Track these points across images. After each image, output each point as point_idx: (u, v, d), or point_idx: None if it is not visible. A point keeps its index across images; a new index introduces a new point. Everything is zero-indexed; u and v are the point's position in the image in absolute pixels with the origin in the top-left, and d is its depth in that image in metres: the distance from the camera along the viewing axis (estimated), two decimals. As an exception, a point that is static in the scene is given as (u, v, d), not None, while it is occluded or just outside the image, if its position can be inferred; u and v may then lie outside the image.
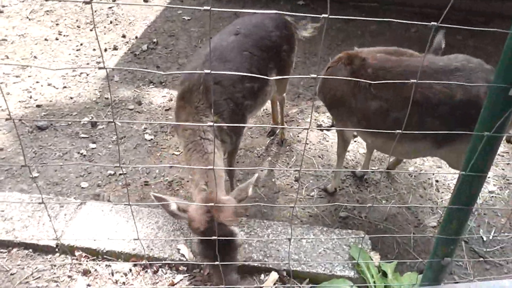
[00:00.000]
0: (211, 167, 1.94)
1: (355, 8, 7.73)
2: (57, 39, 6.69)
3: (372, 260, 3.11)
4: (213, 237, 2.31)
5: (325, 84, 3.70)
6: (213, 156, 3.02)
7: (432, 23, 1.37)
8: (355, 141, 4.93)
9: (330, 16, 1.31)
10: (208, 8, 1.29)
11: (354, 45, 4.10)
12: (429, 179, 4.50)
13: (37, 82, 5.66)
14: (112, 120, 1.38)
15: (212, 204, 2.48)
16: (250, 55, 3.46)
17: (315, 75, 1.42)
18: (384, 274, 3.05)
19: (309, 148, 4.86)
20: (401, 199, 4.30)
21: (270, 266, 3.07)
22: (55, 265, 3.09)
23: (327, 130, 5.09)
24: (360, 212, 4.11)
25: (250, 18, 3.86)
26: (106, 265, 3.07)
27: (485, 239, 3.84)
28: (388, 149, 3.64)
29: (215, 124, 1.94)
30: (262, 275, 3.07)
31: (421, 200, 4.27)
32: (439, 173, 4.52)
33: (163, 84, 5.77)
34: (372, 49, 3.58)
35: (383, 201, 4.26)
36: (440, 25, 1.35)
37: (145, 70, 1.37)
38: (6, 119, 1.47)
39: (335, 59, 3.63)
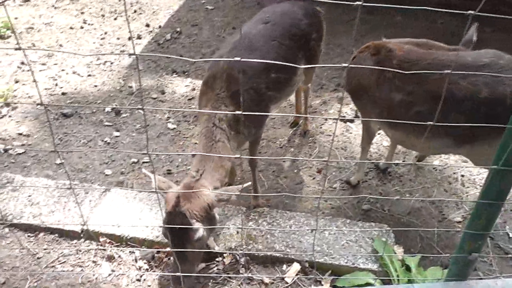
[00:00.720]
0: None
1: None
2: (82, 27, 6.76)
3: (395, 253, 3.08)
4: (169, 225, 2.52)
5: (350, 73, 3.66)
6: (221, 145, 3.08)
7: (470, 12, 1.33)
8: (378, 134, 4.87)
9: (364, 4, 1.28)
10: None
11: (379, 36, 4.03)
12: (454, 173, 4.42)
13: (62, 70, 5.73)
14: (141, 107, 1.38)
15: (185, 191, 2.61)
16: (278, 44, 3.43)
17: (347, 64, 1.40)
18: (408, 268, 3.02)
19: (332, 139, 4.83)
20: (425, 193, 4.24)
21: (292, 257, 3.07)
22: (80, 250, 3.14)
23: (350, 121, 5.04)
24: (383, 205, 4.07)
25: (280, 6, 3.81)
26: (130, 252, 3.11)
27: (511, 235, 3.77)
28: (408, 143, 3.59)
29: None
30: (284, 266, 3.07)
31: (445, 195, 4.21)
32: (465, 168, 4.45)
33: (186, 73, 5.78)
34: (401, 40, 3.52)
35: (407, 195, 4.21)
36: (479, 14, 1.31)
37: (175, 57, 1.37)
38: (38, 104, 1.49)
39: (361, 48, 3.58)
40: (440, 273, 2.93)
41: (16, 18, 6.54)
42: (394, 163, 4.45)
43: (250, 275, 2.98)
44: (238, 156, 1.92)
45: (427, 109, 3.14)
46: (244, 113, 1.57)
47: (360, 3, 1.26)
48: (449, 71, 1.45)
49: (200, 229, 2.70)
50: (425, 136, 3.10)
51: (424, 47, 3.34)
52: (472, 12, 1.33)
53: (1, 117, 4.88)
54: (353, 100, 3.86)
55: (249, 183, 2.99)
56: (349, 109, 5.19)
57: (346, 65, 1.36)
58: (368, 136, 3.97)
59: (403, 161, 4.57)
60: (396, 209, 4.05)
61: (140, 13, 7.19)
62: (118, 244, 3.19)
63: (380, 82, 3.37)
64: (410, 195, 4.21)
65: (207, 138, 3.09)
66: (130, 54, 1.40)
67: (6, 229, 3.23)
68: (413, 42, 3.45)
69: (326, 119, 5.11)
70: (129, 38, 6.50)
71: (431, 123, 1.63)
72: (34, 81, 1.38)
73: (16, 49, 1.34)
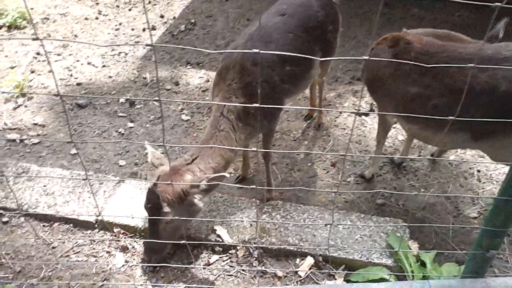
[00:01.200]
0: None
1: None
2: (97, 18, 6.77)
3: (410, 249, 3.05)
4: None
5: (368, 65, 3.61)
6: (224, 134, 3.09)
7: (496, 4, 1.29)
8: (394, 127, 4.82)
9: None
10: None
11: (394, 29, 3.97)
12: (470, 168, 4.36)
13: (77, 60, 5.75)
14: (158, 98, 1.36)
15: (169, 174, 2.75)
16: (294, 36, 3.39)
17: (366, 57, 1.37)
18: (423, 264, 2.99)
19: (346, 133, 4.79)
20: (440, 188, 4.19)
21: (306, 250, 3.05)
22: (94, 241, 3.15)
23: (366, 115, 4.99)
24: (397, 199, 4.03)
25: None
26: (143, 243, 3.11)
27: (528, 232, 3.72)
28: (424, 137, 3.54)
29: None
30: (298, 259, 3.05)
31: (461, 190, 4.15)
32: (481, 163, 4.38)
33: (200, 65, 5.76)
34: (421, 31, 3.45)
35: (422, 190, 4.16)
36: (506, 5, 1.26)
37: (191, 48, 1.35)
38: (55, 95, 1.48)
39: (379, 39, 3.53)
40: (456, 270, 2.89)
41: (32, 9, 6.57)
42: (409, 158, 4.40)
43: (263, 268, 2.98)
44: (254, 149, 1.90)
45: (444, 103, 3.09)
46: (254, 105, 1.54)
47: (383, -6, 1.23)
48: (472, 65, 1.41)
49: (169, 213, 2.76)
50: (445, 131, 3.05)
51: (445, 38, 3.28)
52: (499, 4, 1.29)
53: (17, 107, 4.91)
54: (369, 92, 3.82)
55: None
56: (364, 103, 5.14)
57: (366, 58, 1.33)
58: (384, 129, 3.93)
59: (419, 156, 4.52)
60: (411, 204, 4.00)
61: (155, 4, 7.18)
62: (132, 235, 3.20)
63: (397, 74, 3.32)
64: (425, 190, 4.16)
65: (212, 127, 3.14)
66: (147, 45, 1.38)
67: (22, 219, 3.26)
68: (434, 33, 3.38)
69: (340, 112, 5.07)
70: (144, 29, 6.50)
71: (452, 117, 1.58)
72: (51, 71, 1.37)
73: (33, 39, 1.33)
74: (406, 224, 3.32)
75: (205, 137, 3.14)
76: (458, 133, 3.14)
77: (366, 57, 1.34)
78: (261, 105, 1.49)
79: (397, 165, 4.37)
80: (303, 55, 3.26)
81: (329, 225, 3.17)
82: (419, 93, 3.18)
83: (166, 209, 2.74)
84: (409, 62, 2.89)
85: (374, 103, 4.88)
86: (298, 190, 4.07)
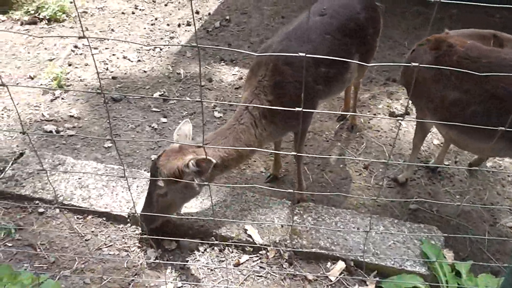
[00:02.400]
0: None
1: (435, -9, 7.30)
2: (133, 13, 6.84)
3: (445, 257, 2.97)
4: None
5: (407, 67, 3.53)
6: (243, 128, 3.12)
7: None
8: (429, 131, 4.71)
9: (441, 0, 1.20)
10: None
11: (433, 29, 3.86)
12: (508, 176, 4.24)
13: (113, 54, 5.82)
14: (200, 99, 1.35)
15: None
16: (332, 38, 3.33)
17: (417, 64, 1.32)
18: (457, 274, 2.91)
19: (380, 135, 4.71)
20: (477, 195, 4.08)
21: (337, 254, 3.01)
22: (126, 235, 3.18)
23: (401, 117, 4.89)
24: (431, 205, 3.94)
25: None
26: (174, 239, 3.13)
27: None
28: (462, 143, 3.45)
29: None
30: (329, 263, 3.01)
31: (498, 198, 4.04)
32: (521, 171, 4.25)
33: (234, 62, 5.76)
34: (465, 32, 3.35)
35: (457, 196, 4.06)
36: None
37: (242, 51, 1.33)
38: (97, 93, 1.49)
39: (422, 40, 3.44)
40: (494, 282, 2.80)
41: (71, 2, 6.68)
42: (446, 166, 4.29)
43: (293, 270, 2.95)
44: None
45: (484, 109, 3.00)
46: (296, 109, 1.51)
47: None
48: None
49: (163, 188, 2.85)
50: (494, 141, 2.96)
51: (490, 40, 3.18)
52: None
53: (54, 99, 5.01)
54: (408, 95, 3.74)
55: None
56: (399, 105, 5.04)
57: (416, 64, 1.29)
58: (421, 132, 3.84)
59: (455, 162, 4.41)
60: (445, 210, 3.91)
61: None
62: (164, 230, 3.21)
63: (436, 78, 3.24)
64: (460, 197, 4.06)
65: (234, 118, 3.18)
66: (192, 46, 1.37)
67: (57, 210, 3.31)
68: (479, 34, 3.28)
69: (374, 114, 4.99)
70: (179, 25, 6.54)
71: (502, 128, 1.52)
72: (96, 69, 1.37)
73: (79, 37, 1.34)
74: (441, 234, 3.22)
75: (224, 127, 3.19)
76: (498, 141, 3.04)
77: (416, 64, 1.29)
78: (303, 109, 1.44)
79: (432, 169, 4.27)
80: (343, 59, 3.28)
81: (363, 230, 3.12)
82: (458, 98, 3.09)
83: (160, 183, 2.83)
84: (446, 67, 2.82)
85: (410, 105, 4.79)
86: (329, 191, 4.03)
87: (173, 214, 3.11)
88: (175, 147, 2.94)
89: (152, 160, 2.96)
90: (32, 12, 6.40)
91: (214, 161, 2.77)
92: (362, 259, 2.93)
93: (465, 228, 3.76)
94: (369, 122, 4.86)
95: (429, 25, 6.57)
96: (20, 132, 1.53)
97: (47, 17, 6.36)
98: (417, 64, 1.28)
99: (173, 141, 3.01)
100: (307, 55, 1.30)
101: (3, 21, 6.34)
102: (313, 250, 3.03)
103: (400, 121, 4.84)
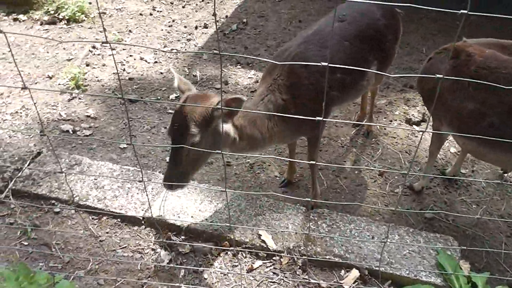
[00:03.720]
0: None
1: (455, -3, 7.22)
2: (151, 14, 6.88)
3: (461, 269, 2.93)
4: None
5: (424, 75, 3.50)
6: (258, 115, 3.03)
7: None
8: (446, 139, 4.66)
9: (469, 12, 1.18)
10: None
11: (451, 36, 3.81)
12: (527, 187, 4.17)
13: (130, 55, 5.86)
14: (220, 107, 1.34)
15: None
16: (350, 45, 3.31)
17: (441, 75, 1.30)
18: (473, 285, 2.87)
19: (396, 142, 4.67)
20: (494, 205, 4.02)
21: (352, 262, 2.98)
22: (140, 237, 3.20)
23: (417, 125, 4.84)
24: (447, 214, 3.89)
25: (358, 4, 3.67)
26: (188, 243, 3.13)
27: None
28: (479, 155, 3.40)
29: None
30: (343, 271, 2.99)
31: (516, 209, 3.97)
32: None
33: (250, 65, 5.76)
34: (484, 42, 3.30)
35: (473, 206, 4.01)
36: None
37: (259, 58, 1.30)
38: (117, 97, 1.49)
39: (440, 49, 3.40)
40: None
41: (90, 3, 6.74)
42: (464, 178, 4.24)
43: (307, 277, 2.93)
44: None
45: (502, 121, 2.95)
46: (317, 118, 1.49)
47: (465, 11, 1.16)
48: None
49: (195, 135, 2.62)
50: (497, 149, 2.91)
51: (509, 49, 3.13)
52: None
53: (72, 99, 5.05)
54: (424, 103, 3.70)
55: None
56: (416, 111, 4.99)
57: (440, 76, 1.27)
58: (438, 141, 3.80)
59: (472, 171, 4.35)
60: (461, 220, 3.86)
61: (208, 2, 7.23)
62: (177, 234, 3.22)
63: (454, 88, 3.19)
64: (477, 207, 4.00)
65: (252, 104, 3.11)
66: (214, 53, 1.36)
67: (73, 210, 3.34)
68: (498, 43, 3.23)
69: (390, 121, 4.95)
70: (196, 27, 6.56)
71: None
72: (116, 71, 1.37)
73: (102, 43, 1.34)
74: (458, 246, 3.18)
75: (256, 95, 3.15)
76: None
77: (440, 76, 1.27)
78: (323, 119, 1.43)
79: (448, 178, 4.22)
80: (362, 69, 3.24)
81: (378, 240, 3.09)
82: (476, 109, 3.05)
83: (193, 129, 2.61)
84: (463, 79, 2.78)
85: (427, 112, 4.74)
86: (344, 198, 4.00)
87: (200, 169, 2.94)
88: (195, 93, 2.81)
89: (175, 111, 2.70)
90: (52, 12, 6.47)
91: (244, 98, 2.62)
92: (378, 268, 2.90)
93: (481, 239, 3.71)
94: (385, 129, 4.82)
95: (446, 31, 6.50)
96: (39, 134, 1.53)
97: (67, 17, 6.42)
98: (441, 76, 1.26)
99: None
100: (328, 64, 1.29)
101: (23, 20, 6.41)
102: (327, 257, 3.01)
103: (415, 127, 4.81)
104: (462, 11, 1.17)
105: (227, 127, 2.80)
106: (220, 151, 2.01)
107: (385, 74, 1.86)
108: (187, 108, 2.64)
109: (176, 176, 2.69)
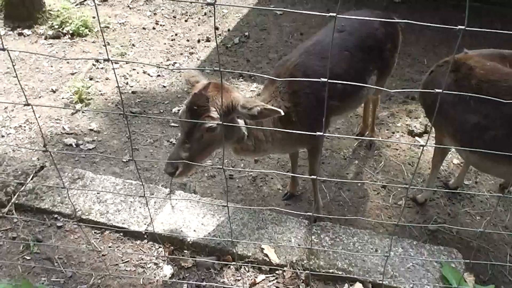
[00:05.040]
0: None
1: (454, 7, 7.26)
2: (154, 28, 6.93)
3: (465, 282, 2.91)
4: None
5: (426, 88, 3.50)
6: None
7: None
8: (449, 151, 4.65)
9: (467, 28, 1.19)
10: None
11: (452, 47, 3.82)
12: (531, 198, 4.15)
13: (133, 69, 5.89)
14: (221, 122, 1.35)
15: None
16: (350, 55, 3.33)
17: (440, 90, 1.30)
18: (478, 299, 2.85)
19: (398, 154, 4.66)
20: (498, 217, 4.00)
21: (355, 276, 2.96)
22: (143, 251, 3.19)
23: (419, 136, 4.84)
24: (451, 226, 3.87)
25: (356, 14, 3.70)
26: (191, 257, 3.12)
27: None
28: (483, 167, 3.40)
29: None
30: (346, 285, 2.97)
31: (520, 220, 3.95)
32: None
33: (252, 78, 5.79)
34: (486, 53, 3.31)
35: (477, 217, 3.99)
36: None
37: (262, 75, 1.32)
38: (120, 114, 1.50)
39: (441, 62, 3.41)
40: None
41: (94, 17, 6.80)
42: (467, 192, 4.23)
43: (310, 291, 2.92)
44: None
45: (504, 134, 2.95)
46: (317, 133, 1.50)
47: (462, 27, 1.17)
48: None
49: (215, 119, 2.58)
50: (501, 161, 2.90)
51: (510, 60, 3.14)
52: None
53: (75, 112, 5.08)
54: (426, 115, 3.71)
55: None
56: (418, 123, 4.99)
57: (439, 90, 1.27)
58: (441, 153, 3.79)
59: (476, 182, 4.34)
60: (465, 232, 3.84)
61: (210, 16, 7.29)
62: (180, 248, 3.21)
63: (455, 101, 3.19)
64: (480, 218, 3.98)
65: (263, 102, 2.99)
66: (215, 70, 1.38)
67: (75, 224, 3.34)
68: (499, 54, 3.24)
69: (393, 132, 4.95)
70: (199, 41, 6.60)
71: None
72: (117, 85, 1.38)
73: (104, 60, 1.36)
74: (462, 258, 3.16)
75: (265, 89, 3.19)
76: None
77: (440, 90, 1.27)
78: (324, 134, 1.43)
79: (452, 189, 4.20)
80: (363, 85, 3.24)
81: (382, 254, 3.07)
82: (478, 122, 3.05)
83: (214, 113, 2.58)
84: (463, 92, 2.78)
85: (429, 124, 4.74)
86: (347, 210, 4.00)
87: (205, 159, 2.92)
88: (217, 82, 2.75)
89: (195, 94, 2.65)
90: (56, 26, 6.52)
91: (282, 112, 2.58)
92: (381, 282, 2.88)
93: (485, 251, 3.69)
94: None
95: (448, 42, 6.52)
96: (42, 149, 1.54)
97: (71, 32, 6.48)
98: (440, 90, 1.27)
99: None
100: (328, 80, 1.30)
101: (28, 35, 6.47)
102: (331, 271, 2.99)
103: (417, 139, 4.81)
104: (459, 26, 1.18)
105: (241, 122, 2.85)
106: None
107: (386, 89, 1.86)
108: (210, 93, 2.63)
109: (181, 159, 2.62)
